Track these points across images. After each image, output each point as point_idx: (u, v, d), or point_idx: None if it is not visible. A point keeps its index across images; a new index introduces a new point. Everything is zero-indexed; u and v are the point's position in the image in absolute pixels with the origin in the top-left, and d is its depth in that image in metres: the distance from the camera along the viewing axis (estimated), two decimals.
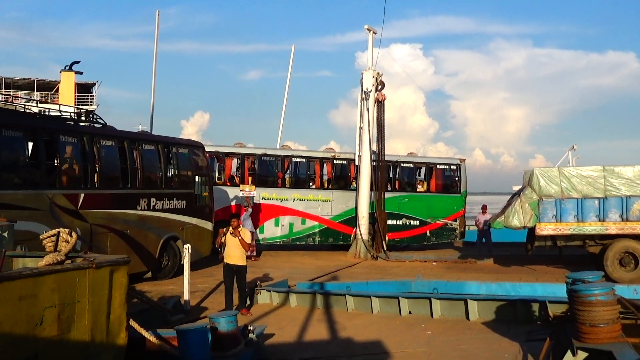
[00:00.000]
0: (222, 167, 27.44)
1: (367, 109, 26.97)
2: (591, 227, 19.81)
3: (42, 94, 49.13)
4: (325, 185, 29.03)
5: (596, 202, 19.82)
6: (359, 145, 27.51)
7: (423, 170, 30.89)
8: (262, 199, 26.92)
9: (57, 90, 47.34)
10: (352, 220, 27.92)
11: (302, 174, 29.04)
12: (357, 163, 27.78)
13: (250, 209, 25.46)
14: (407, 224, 29.50)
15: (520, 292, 15.43)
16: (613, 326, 8.91)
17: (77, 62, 44.06)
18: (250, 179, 27.47)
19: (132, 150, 18.16)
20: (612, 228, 19.68)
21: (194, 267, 20.12)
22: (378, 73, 27.35)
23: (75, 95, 44.97)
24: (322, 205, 28.14)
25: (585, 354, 8.95)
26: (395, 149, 44.58)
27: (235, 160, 27.98)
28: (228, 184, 26.77)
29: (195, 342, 8.57)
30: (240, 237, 14.21)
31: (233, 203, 26.47)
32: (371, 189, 27.27)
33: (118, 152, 17.66)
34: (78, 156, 16.28)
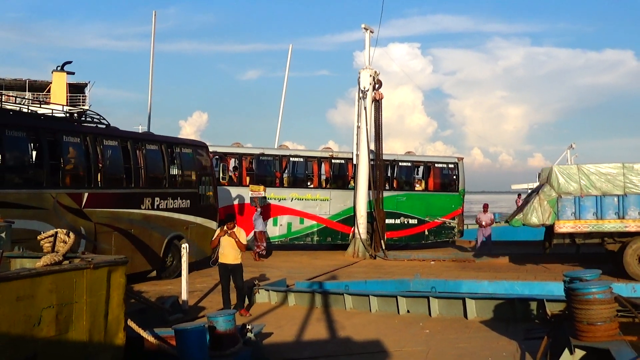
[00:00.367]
0: (223, 166, 27.52)
1: (365, 108, 26.97)
2: (610, 224, 19.80)
3: (34, 94, 49.00)
4: (324, 185, 29.08)
5: (615, 199, 19.81)
6: (357, 144, 27.53)
7: (421, 169, 30.97)
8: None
9: (49, 91, 47.26)
10: (350, 219, 27.94)
11: (300, 173, 29.09)
12: (355, 162, 27.80)
13: (259, 209, 25.61)
14: (406, 222, 29.55)
15: (518, 290, 15.44)
16: (610, 324, 8.92)
17: (69, 62, 44.05)
18: (248, 178, 27.53)
19: (136, 150, 18.33)
20: (631, 225, 19.67)
21: (194, 267, 20.30)
22: (375, 72, 27.37)
23: (67, 96, 44.87)
24: (320, 204, 28.18)
25: (582, 352, 8.96)
26: (393, 148, 44.72)
27: (233, 160, 28.01)
28: (226, 183, 26.79)
29: (193, 341, 8.56)
30: (236, 239, 14.21)
31: (235, 202, 26.52)
32: (369, 188, 27.29)
33: (122, 152, 17.85)
34: (82, 156, 16.49)
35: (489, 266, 23.34)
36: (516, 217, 20.95)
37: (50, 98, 45.67)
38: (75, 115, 17.90)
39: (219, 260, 14.64)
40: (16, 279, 6.33)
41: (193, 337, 8.58)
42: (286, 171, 29.00)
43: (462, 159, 31.22)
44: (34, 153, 15.45)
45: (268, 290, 15.91)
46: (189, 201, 20.46)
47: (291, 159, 28.90)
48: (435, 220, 30.00)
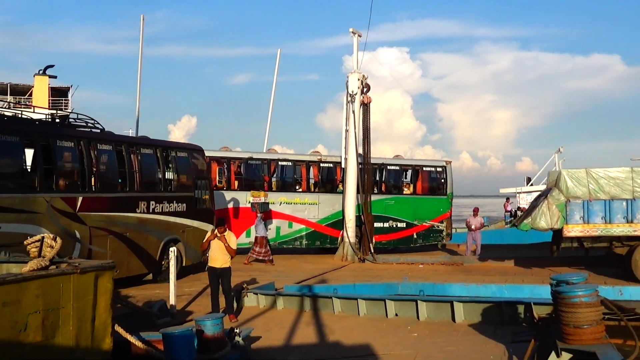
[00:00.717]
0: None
1: (353, 112, 27.01)
2: (619, 228, 19.79)
3: (15, 98, 48.61)
4: (312, 189, 29.07)
5: (624, 203, 19.82)
6: (345, 148, 27.57)
7: (409, 172, 31.03)
8: (248, 202, 26.95)
9: (30, 95, 46.99)
10: (339, 223, 27.94)
11: (288, 177, 29.12)
12: (343, 166, 27.82)
13: (260, 214, 25.67)
14: (394, 226, 29.61)
15: (507, 293, 15.47)
16: (597, 327, 8.95)
17: (51, 66, 43.73)
18: (236, 182, 27.52)
19: (130, 154, 18.41)
20: None
21: (190, 270, 20.37)
22: (363, 76, 27.41)
23: (49, 100, 44.61)
24: (308, 208, 28.19)
25: (569, 355, 8.98)
26: (382, 153, 44.81)
27: (221, 164, 27.97)
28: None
29: (181, 345, 8.56)
30: (226, 243, 14.20)
31: (225, 207, 26.50)
32: (358, 192, 27.30)
33: (116, 156, 17.94)
34: (76, 160, 16.59)
35: (477, 269, 23.37)
36: (524, 221, 20.85)
37: (32, 102, 45.46)
38: (58, 119, 17.91)
39: (208, 264, 14.64)
40: (2, 284, 6.31)
41: (181, 341, 8.58)
42: (274, 175, 28.99)
43: (450, 162, 31.34)
44: (28, 157, 15.49)
45: (256, 294, 15.90)
46: (185, 204, 20.53)
47: (279, 163, 28.92)
48: (424, 224, 30.09)
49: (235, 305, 15.08)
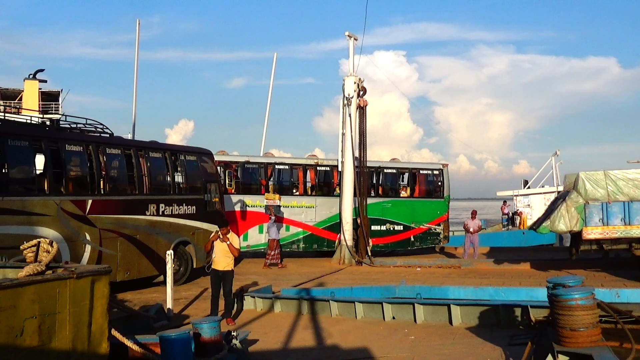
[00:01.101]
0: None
1: (349, 115, 27.02)
2: (639, 230, 19.77)
3: (5, 102, 48.55)
4: (309, 192, 29.10)
5: None
6: (342, 151, 27.58)
7: (406, 175, 31.07)
8: (246, 206, 26.96)
9: (21, 99, 46.99)
10: (336, 226, 27.96)
11: (285, 180, 29.12)
12: (340, 169, 27.83)
13: (273, 217, 25.74)
14: (391, 229, 29.62)
15: (504, 296, 15.48)
16: (593, 330, 8.98)
17: (41, 70, 43.85)
18: (233, 186, 27.55)
19: (139, 158, 18.78)
20: None
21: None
22: (360, 79, 27.43)
23: (39, 104, 44.63)
24: (305, 211, 28.20)
25: (566, 358, 9.01)
26: (380, 156, 44.81)
27: (218, 168, 27.98)
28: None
29: (178, 348, 8.53)
30: (229, 243, 14.21)
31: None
32: (355, 195, 27.32)
33: (125, 160, 18.34)
34: (85, 164, 17.04)
35: (474, 272, 23.39)
36: (543, 224, 20.74)
37: (22, 106, 45.39)
38: (48, 122, 18.07)
39: (211, 267, 14.68)
40: None
41: (178, 344, 8.55)
42: (271, 178, 29.00)
43: (446, 165, 31.37)
44: (38, 162, 16.04)
45: (254, 297, 15.91)
46: (194, 207, 20.82)
47: (276, 166, 28.93)
48: (421, 227, 30.10)
49: (235, 308, 15.09)
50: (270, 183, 28.81)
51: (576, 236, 20.91)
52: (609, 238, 20.17)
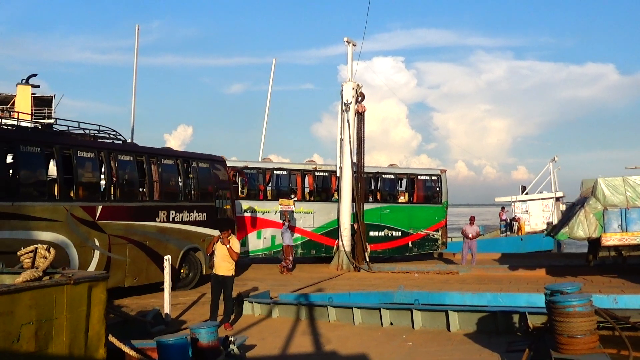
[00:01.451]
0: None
1: (348, 121, 27.02)
2: None
3: None
4: (307, 197, 29.06)
5: None
6: (340, 157, 27.57)
7: (404, 181, 31.04)
8: (244, 211, 26.94)
9: (13, 104, 46.95)
10: (334, 232, 27.91)
11: (283, 186, 29.09)
12: (338, 175, 27.82)
13: (287, 223, 25.80)
14: (389, 235, 29.59)
15: (502, 302, 15.46)
16: (590, 337, 8.97)
17: (34, 75, 43.68)
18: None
19: (151, 164, 18.87)
20: None
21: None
22: (358, 85, 27.43)
23: (32, 109, 44.58)
24: (304, 217, 28.17)
25: None
26: (378, 161, 44.87)
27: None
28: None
29: (175, 353, 8.53)
30: (229, 246, 14.20)
31: None
32: (353, 201, 27.30)
33: (136, 167, 18.48)
34: (96, 170, 17.21)
35: (472, 278, 23.37)
36: (562, 230, 20.60)
37: (15, 110, 45.23)
38: (40, 127, 18.13)
39: (212, 271, 14.69)
40: None
41: (175, 349, 8.55)
42: (270, 184, 28.98)
43: (445, 171, 31.37)
44: (49, 167, 16.19)
45: (252, 303, 15.90)
46: (205, 214, 20.86)
47: (275, 171, 28.91)
48: (419, 233, 30.08)
49: (233, 315, 15.07)
50: (269, 188, 28.80)
51: (594, 242, 20.75)
52: (627, 244, 20.06)
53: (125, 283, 17.64)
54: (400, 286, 18.15)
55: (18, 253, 7.85)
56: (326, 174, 29.37)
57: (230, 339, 9.99)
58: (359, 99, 27.41)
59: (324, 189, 29.60)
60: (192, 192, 20.72)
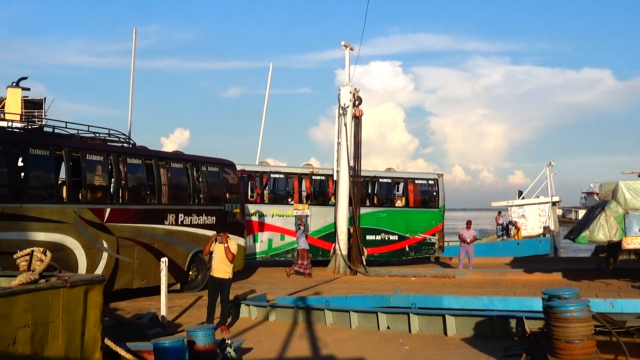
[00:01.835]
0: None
1: (345, 125, 27.03)
2: None
3: None
4: (304, 201, 29.04)
5: None
6: (337, 160, 27.58)
7: (401, 185, 31.06)
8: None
9: (3, 107, 46.90)
10: (331, 235, 27.91)
11: (280, 190, 29.09)
12: (335, 178, 27.81)
13: (302, 227, 25.86)
14: (386, 239, 29.61)
15: (498, 305, 15.45)
16: (588, 342, 8.96)
17: (24, 78, 43.68)
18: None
19: (160, 168, 19.03)
20: None
21: None
22: (355, 89, 27.43)
23: (22, 112, 44.59)
24: None
25: None
26: (375, 166, 44.78)
27: None
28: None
29: (172, 356, 8.50)
30: (226, 245, 14.17)
31: None
32: (350, 204, 27.29)
33: (145, 170, 18.64)
34: (104, 173, 17.40)
35: (469, 282, 23.37)
36: (582, 234, 20.48)
37: (5, 112, 45.16)
38: (29, 130, 18.09)
39: (210, 273, 14.68)
40: None
41: (172, 352, 8.52)
42: (267, 187, 28.97)
43: (441, 175, 31.40)
44: (58, 170, 16.31)
45: (249, 306, 15.88)
46: (214, 217, 20.96)
47: (272, 175, 28.91)
48: (416, 237, 30.09)
49: (229, 318, 15.04)
50: (266, 192, 28.79)
51: (614, 246, 20.66)
52: None
53: (133, 284, 17.81)
54: (397, 289, 18.14)
55: (14, 256, 7.81)
56: (323, 177, 29.40)
57: (227, 341, 9.97)
58: (356, 102, 27.41)
59: (320, 192, 29.61)
60: (201, 195, 20.88)
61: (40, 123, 18.98)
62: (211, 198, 21.18)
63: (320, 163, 38.82)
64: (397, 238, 29.76)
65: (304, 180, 29.26)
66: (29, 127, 17.93)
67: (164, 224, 18.99)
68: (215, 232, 15.59)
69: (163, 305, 14.55)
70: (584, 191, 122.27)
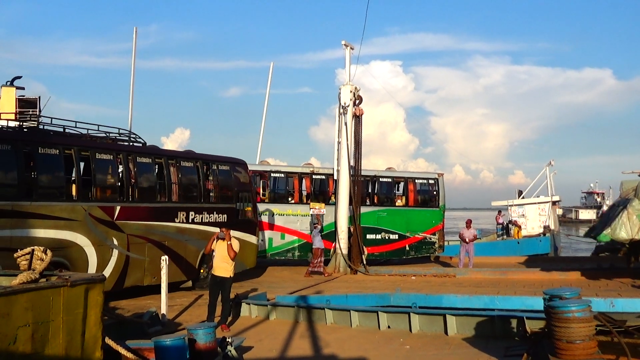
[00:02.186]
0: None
1: (345, 124, 27.00)
2: None
3: None
4: (304, 200, 29.02)
5: None
6: (338, 159, 27.55)
7: (401, 185, 31.05)
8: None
9: None
10: (331, 234, 27.85)
11: (281, 189, 29.07)
12: (335, 178, 27.79)
13: (319, 226, 25.87)
14: (387, 238, 29.60)
15: (498, 305, 15.41)
16: (589, 343, 8.92)
17: (19, 77, 43.68)
18: None
19: (170, 166, 19.21)
20: None
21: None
22: (355, 88, 27.38)
23: (16, 110, 44.67)
24: (301, 220, 28.15)
25: None
26: (376, 165, 44.84)
27: None
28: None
29: (172, 354, 8.50)
30: (229, 242, 14.16)
31: None
32: (350, 204, 27.26)
33: (155, 169, 18.88)
34: (114, 172, 17.64)
35: (469, 281, 23.34)
36: (604, 232, 20.29)
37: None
38: (25, 129, 18.11)
39: (211, 272, 14.68)
40: None
41: (172, 350, 8.52)
42: (267, 187, 28.94)
43: (442, 175, 31.40)
44: (68, 169, 16.43)
45: (250, 304, 15.87)
46: (225, 215, 21.19)
47: (272, 174, 28.88)
48: (416, 236, 30.09)
49: (230, 317, 15.03)
50: (266, 191, 28.75)
51: (636, 244, 20.57)
52: None
53: (144, 282, 17.97)
54: (397, 289, 18.11)
55: (15, 255, 7.80)
56: (323, 176, 29.38)
57: (227, 340, 9.97)
58: (357, 101, 27.37)
59: (321, 191, 29.58)
60: (212, 193, 21.04)
61: (36, 121, 18.91)
62: (222, 196, 21.36)
63: (321, 162, 38.81)
64: (397, 237, 29.75)
65: (304, 180, 29.24)
66: (22, 125, 17.91)
67: (175, 222, 19.16)
68: (218, 231, 15.57)
69: (163, 304, 14.56)
70: (584, 191, 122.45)
